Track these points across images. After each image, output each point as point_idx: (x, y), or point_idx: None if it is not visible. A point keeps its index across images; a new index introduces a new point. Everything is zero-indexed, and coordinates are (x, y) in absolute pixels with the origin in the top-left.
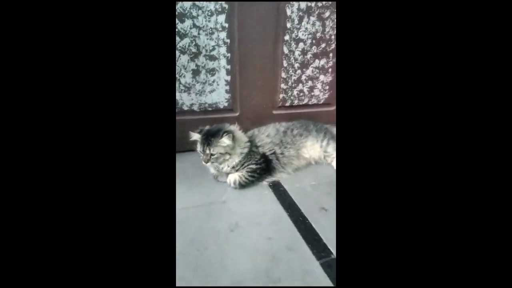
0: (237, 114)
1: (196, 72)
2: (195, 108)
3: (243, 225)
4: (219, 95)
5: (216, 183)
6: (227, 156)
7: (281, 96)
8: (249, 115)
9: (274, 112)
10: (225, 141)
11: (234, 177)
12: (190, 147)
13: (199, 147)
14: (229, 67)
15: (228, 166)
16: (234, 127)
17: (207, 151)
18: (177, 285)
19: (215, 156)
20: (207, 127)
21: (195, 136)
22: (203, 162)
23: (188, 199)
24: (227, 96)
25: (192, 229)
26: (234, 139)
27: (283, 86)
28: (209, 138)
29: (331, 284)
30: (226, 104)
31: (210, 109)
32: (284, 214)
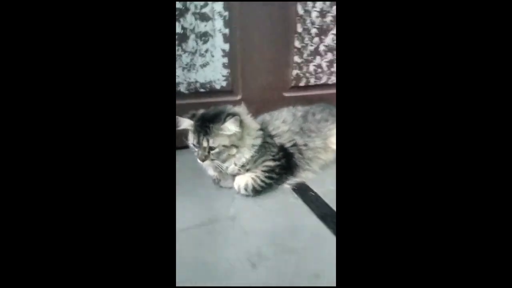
0: (238, 97)
1: (182, 38)
2: (182, 88)
3: (269, 255)
4: (214, 71)
5: (218, 190)
6: (233, 150)
7: (294, 72)
8: (254, 99)
9: (285, 94)
10: (230, 127)
11: (244, 180)
12: (179, 143)
13: (191, 139)
14: (227, 31)
15: (236, 165)
16: (241, 109)
17: (205, 144)
18: None
19: (217, 150)
20: (202, 111)
21: (185, 123)
22: (199, 160)
23: (182, 216)
24: (225, 72)
25: (190, 265)
26: (242, 125)
27: (297, 59)
28: (207, 124)
29: None
30: (224, 84)
31: (202, 90)
32: (327, 233)
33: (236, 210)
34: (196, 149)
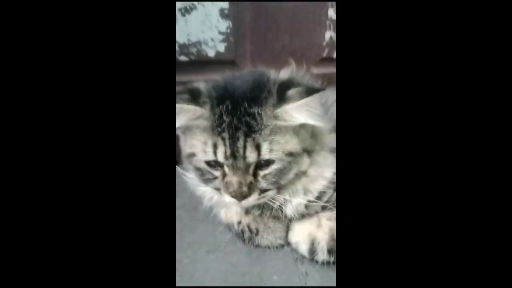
0: None
1: None
2: None
3: None
4: (205, 23)
5: (256, 258)
6: (305, 162)
7: (328, 36)
8: None
9: (315, 70)
10: (301, 112)
11: (323, 232)
12: None
13: (207, 148)
14: None
15: (308, 194)
16: (296, 73)
17: (251, 155)
18: None
19: (277, 166)
20: (210, 83)
21: (184, 113)
22: (228, 199)
23: None
24: (224, 26)
25: None
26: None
27: (332, 12)
28: (248, 109)
29: None
30: (221, 48)
31: (183, 57)
32: None
33: None
34: (216, 173)
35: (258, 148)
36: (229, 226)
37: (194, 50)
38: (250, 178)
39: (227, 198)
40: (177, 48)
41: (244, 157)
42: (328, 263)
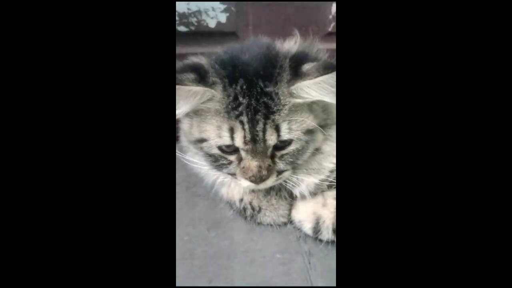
0: None
1: None
2: None
3: None
4: None
5: (258, 235)
6: (319, 138)
7: (334, 9)
8: None
9: (320, 46)
10: (315, 88)
11: (329, 211)
12: None
13: (222, 133)
14: None
15: (321, 173)
16: (306, 44)
17: (270, 137)
18: None
19: (296, 146)
20: (213, 58)
21: (195, 94)
22: (246, 184)
23: None
24: None
25: None
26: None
27: None
28: (264, 88)
29: None
30: (222, 18)
31: (182, 27)
32: None
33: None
34: (231, 157)
35: (277, 129)
36: (230, 203)
37: (194, 20)
38: (268, 161)
39: (244, 183)
40: (176, 17)
41: (264, 140)
42: (332, 242)
